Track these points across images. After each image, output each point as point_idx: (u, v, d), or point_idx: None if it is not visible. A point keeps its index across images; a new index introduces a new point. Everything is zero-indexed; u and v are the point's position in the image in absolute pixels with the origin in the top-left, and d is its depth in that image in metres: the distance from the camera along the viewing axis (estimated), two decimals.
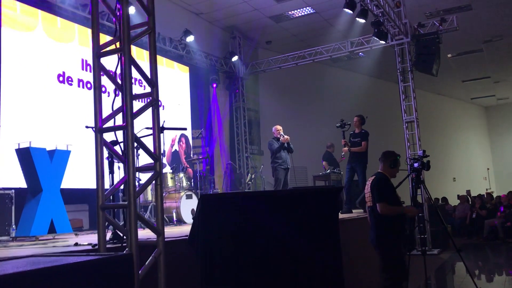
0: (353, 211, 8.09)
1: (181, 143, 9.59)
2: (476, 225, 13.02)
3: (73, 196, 7.00)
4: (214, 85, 11.99)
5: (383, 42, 10.30)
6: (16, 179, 6.13)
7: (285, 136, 8.53)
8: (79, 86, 8.20)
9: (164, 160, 9.45)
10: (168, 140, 9.28)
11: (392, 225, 4.51)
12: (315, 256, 3.66)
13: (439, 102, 19.92)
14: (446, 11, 11.47)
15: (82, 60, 8.34)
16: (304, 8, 11.45)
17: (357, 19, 9.48)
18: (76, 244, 4.06)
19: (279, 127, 8.75)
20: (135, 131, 3.05)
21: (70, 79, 8.05)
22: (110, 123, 3.20)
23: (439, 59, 10.21)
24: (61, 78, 7.91)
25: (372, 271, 6.54)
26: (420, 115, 10.44)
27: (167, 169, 8.86)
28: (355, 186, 8.51)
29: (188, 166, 9.08)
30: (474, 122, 22.95)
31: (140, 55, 9.27)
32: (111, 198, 3.63)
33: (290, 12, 11.67)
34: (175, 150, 10.01)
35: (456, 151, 20.27)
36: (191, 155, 10.38)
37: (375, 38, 10.08)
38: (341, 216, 6.53)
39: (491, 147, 23.55)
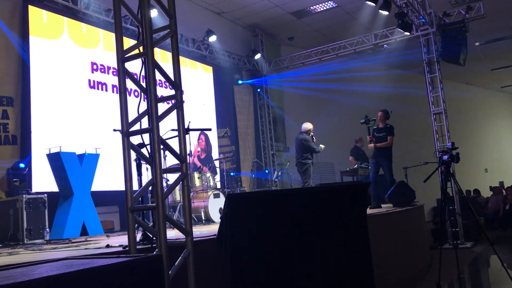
0: (382, 205, 8.00)
1: (200, 141, 9.64)
2: (510, 217, 12.70)
3: (104, 198, 7.14)
4: (239, 83, 12.05)
5: (408, 33, 10.13)
6: (48, 184, 6.29)
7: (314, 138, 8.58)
8: (103, 89, 8.34)
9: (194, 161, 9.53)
10: (194, 143, 9.36)
11: None
12: (344, 253, 3.63)
13: (467, 92, 19.42)
14: None
15: (107, 64, 8.48)
16: (326, 3, 11.35)
17: (380, 11, 9.35)
18: (107, 246, 4.14)
19: (310, 126, 8.69)
20: (161, 133, 3.09)
21: (96, 83, 8.21)
22: (136, 126, 3.25)
23: (466, 48, 9.98)
24: (88, 83, 8.06)
25: (402, 267, 6.46)
26: (448, 106, 10.22)
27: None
28: (383, 181, 8.41)
29: (201, 165, 9.14)
30: (505, 111, 22.32)
31: (164, 57, 9.37)
32: (140, 199, 3.68)
33: (311, 7, 11.60)
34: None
35: (487, 142, 19.76)
36: (211, 154, 10.43)
37: (400, 29, 9.92)
38: (369, 211, 6.47)
39: None
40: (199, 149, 10.16)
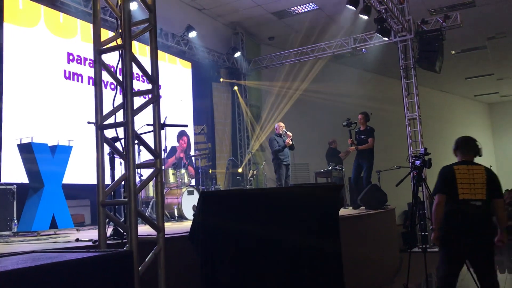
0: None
1: (181, 141, 9.61)
2: None
3: (75, 192, 7.02)
4: (219, 81, 12.01)
5: (386, 38, 10.27)
6: (18, 174, 6.15)
7: (289, 133, 8.53)
8: (79, 81, 8.20)
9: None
10: (173, 138, 9.27)
11: None
12: (316, 254, 3.66)
13: (442, 99, 19.83)
14: (450, 8, 11.41)
15: (84, 56, 8.34)
16: (307, 4, 11.41)
17: (360, 15, 9.45)
18: (77, 240, 4.08)
19: (281, 124, 8.77)
20: (136, 128, 3.05)
21: (72, 74, 8.06)
22: (111, 119, 3.20)
23: (442, 56, 10.18)
24: (63, 74, 7.91)
25: (372, 269, 6.55)
26: (423, 112, 10.41)
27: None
28: (360, 182, 8.51)
29: (187, 163, 9.11)
30: (477, 119, 22.85)
31: (142, 50, 9.26)
32: (112, 194, 3.63)
33: (293, 8, 11.64)
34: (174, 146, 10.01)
35: None
36: (189, 153, 10.41)
37: (378, 34, 10.04)
38: (341, 213, 6.53)
39: (494, 144, 23.44)
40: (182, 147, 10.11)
